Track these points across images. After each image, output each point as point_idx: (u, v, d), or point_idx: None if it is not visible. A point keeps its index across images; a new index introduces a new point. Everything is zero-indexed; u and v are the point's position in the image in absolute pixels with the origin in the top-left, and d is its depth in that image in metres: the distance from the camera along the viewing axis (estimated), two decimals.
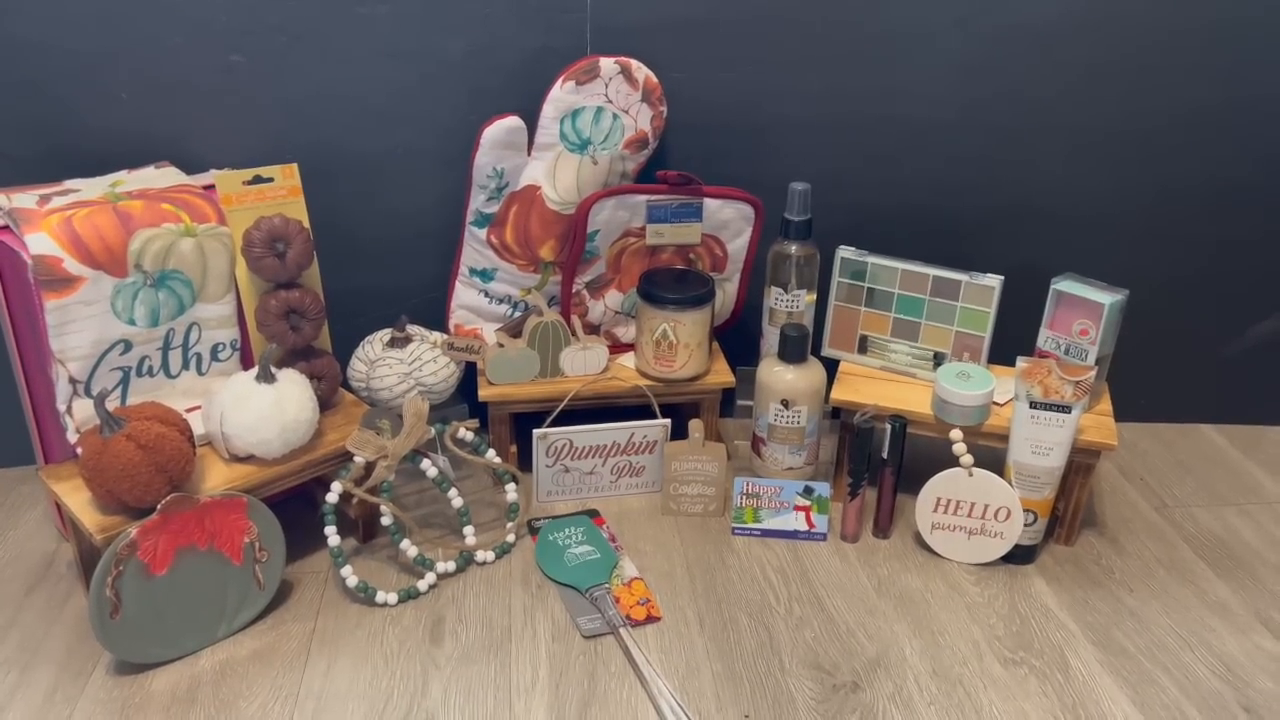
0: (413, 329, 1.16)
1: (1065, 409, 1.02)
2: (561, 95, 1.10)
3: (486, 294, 1.20)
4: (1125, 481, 1.25)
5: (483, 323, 1.22)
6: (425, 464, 1.06)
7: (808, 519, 1.12)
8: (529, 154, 1.13)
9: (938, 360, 1.16)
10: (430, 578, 1.04)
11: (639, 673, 0.94)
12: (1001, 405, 1.10)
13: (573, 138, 1.12)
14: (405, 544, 1.04)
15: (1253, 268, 1.27)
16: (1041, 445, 1.03)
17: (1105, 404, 1.12)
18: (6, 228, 0.96)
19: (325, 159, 1.14)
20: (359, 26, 1.10)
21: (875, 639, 0.98)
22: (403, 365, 1.12)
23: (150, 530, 0.90)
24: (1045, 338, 1.11)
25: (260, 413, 0.97)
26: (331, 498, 1.01)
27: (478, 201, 1.14)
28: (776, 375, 1.12)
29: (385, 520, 1.03)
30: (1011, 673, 0.95)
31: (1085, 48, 1.16)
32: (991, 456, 1.08)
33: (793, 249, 1.14)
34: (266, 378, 0.99)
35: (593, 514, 1.15)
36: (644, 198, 1.15)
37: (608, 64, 1.10)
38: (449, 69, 1.13)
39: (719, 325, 1.24)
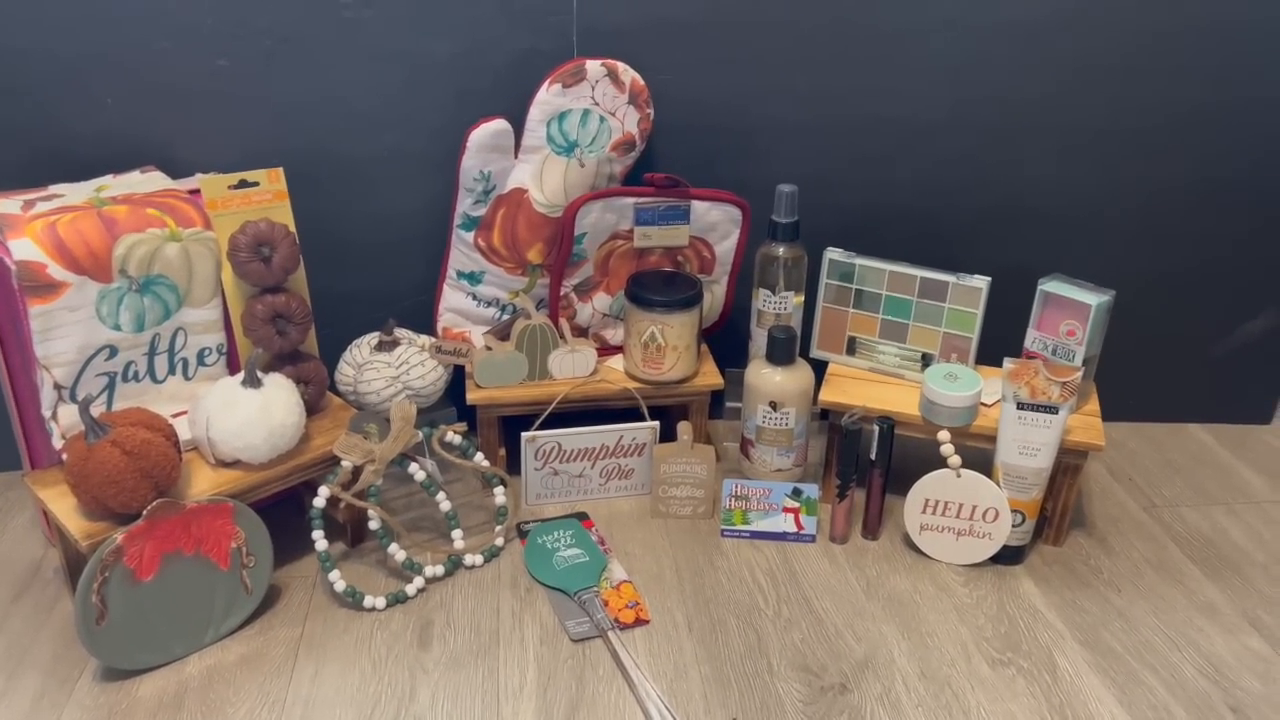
0: (400, 332, 1.16)
1: (1052, 410, 1.02)
2: (548, 98, 1.10)
3: (474, 297, 1.20)
4: (1113, 481, 1.25)
5: (471, 326, 1.21)
6: (413, 468, 1.06)
7: (796, 521, 1.12)
8: (516, 157, 1.13)
9: (926, 361, 1.16)
10: (418, 582, 1.04)
11: (627, 676, 0.93)
12: (989, 406, 1.10)
13: (560, 140, 1.11)
14: (393, 548, 1.03)
15: (1241, 267, 1.27)
16: (1029, 446, 1.03)
17: (1093, 404, 1.12)
18: None
19: (311, 162, 1.13)
20: (345, 30, 1.09)
21: (864, 640, 0.98)
22: (390, 369, 1.12)
23: (136, 536, 0.90)
24: (1033, 338, 1.11)
25: (247, 418, 0.97)
26: (319, 502, 1.01)
27: (465, 204, 1.14)
28: (765, 377, 1.12)
29: (373, 524, 1.03)
30: (999, 674, 0.95)
31: (1073, 48, 1.16)
32: (979, 457, 1.08)
33: (780, 251, 1.14)
34: (253, 382, 0.99)
35: (582, 517, 1.15)
36: (631, 200, 1.15)
37: (594, 66, 1.10)
38: (435, 72, 1.13)
39: (707, 327, 1.24)
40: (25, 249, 0.91)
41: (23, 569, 1.07)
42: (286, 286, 1.04)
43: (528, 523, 1.14)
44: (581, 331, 1.22)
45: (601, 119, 1.11)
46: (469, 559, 1.07)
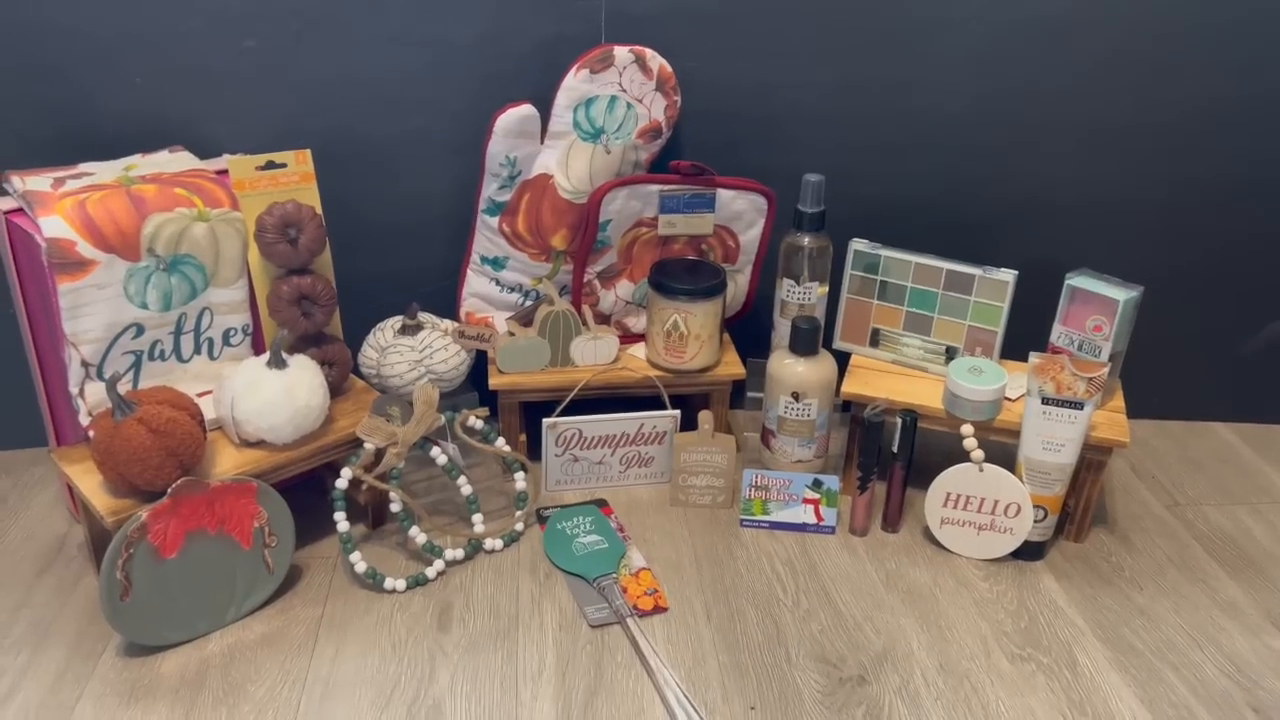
0: (424, 316, 1.16)
1: (1077, 405, 1.01)
2: (575, 84, 1.10)
3: (498, 282, 1.20)
4: (1137, 479, 1.24)
5: (494, 311, 1.22)
6: (435, 451, 1.06)
7: (816, 512, 1.11)
8: (542, 142, 1.13)
9: (950, 355, 1.15)
10: (439, 565, 1.04)
11: (645, 663, 0.94)
12: (1013, 400, 1.10)
13: (586, 126, 1.11)
14: (414, 531, 1.04)
15: (1269, 265, 1.26)
16: (1053, 441, 1.03)
17: (1118, 400, 1.11)
18: (20, 210, 0.96)
19: (338, 145, 1.14)
20: (372, 12, 1.09)
21: (883, 633, 0.98)
22: (414, 353, 1.12)
23: (161, 514, 0.91)
24: (1059, 333, 1.10)
25: (271, 398, 0.98)
26: (341, 484, 1.02)
27: (490, 189, 1.14)
28: (787, 368, 1.11)
29: (394, 507, 1.03)
30: (1019, 669, 0.95)
31: (1100, 41, 1.15)
32: (1002, 452, 1.07)
33: (805, 241, 1.13)
34: (278, 363, 0.99)
35: (601, 504, 1.15)
36: (657, 188, 1.14)
37: (622, 52, 1.09)
38: (462, 56, 1.13)
39: (730, 317, 1.23)
40: (55, 226, 0.91)
41: (48, 544, 1.08)
42: (312, 268, 1.04)
43: (547, 508, 1.14)
44: (604, 319, 1.22)
45: (629, 105, 1.11)
46: (489, 543, 1.08)
